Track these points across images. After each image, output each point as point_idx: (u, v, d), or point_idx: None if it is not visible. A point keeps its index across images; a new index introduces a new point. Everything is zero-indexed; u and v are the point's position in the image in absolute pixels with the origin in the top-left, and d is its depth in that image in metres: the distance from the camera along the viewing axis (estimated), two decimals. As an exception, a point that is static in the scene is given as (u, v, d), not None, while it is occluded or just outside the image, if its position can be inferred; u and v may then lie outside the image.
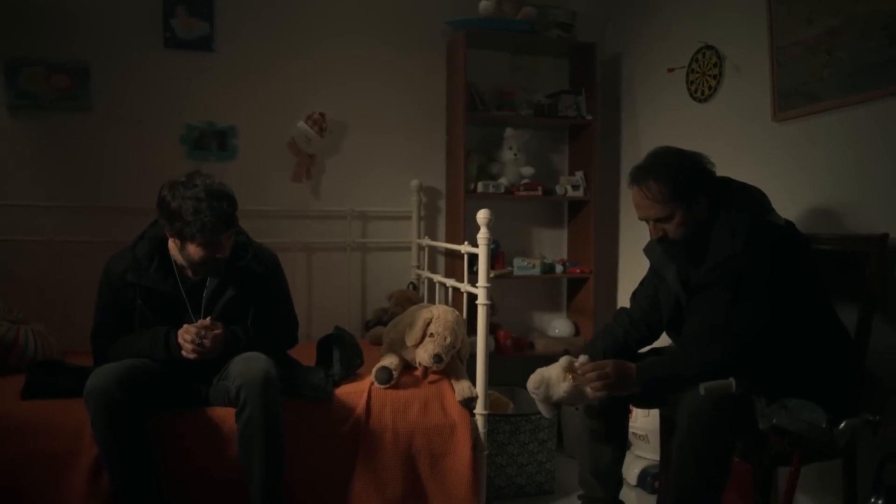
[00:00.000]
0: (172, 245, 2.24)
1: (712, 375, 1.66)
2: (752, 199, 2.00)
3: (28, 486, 2.07)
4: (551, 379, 2.09)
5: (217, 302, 2.27)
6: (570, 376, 2.06)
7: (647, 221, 2.06)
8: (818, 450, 1.86)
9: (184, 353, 2.14)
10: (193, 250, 2.15)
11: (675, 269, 2.09)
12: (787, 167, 2.54)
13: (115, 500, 2.06)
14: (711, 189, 1.99)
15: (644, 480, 2.82)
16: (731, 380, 1.65)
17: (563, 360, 2.10)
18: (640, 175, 2.01)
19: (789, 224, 2.00)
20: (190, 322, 2.19)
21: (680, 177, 1.96)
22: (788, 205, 2.40)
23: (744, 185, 2.06)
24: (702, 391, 1.66)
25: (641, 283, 2.32)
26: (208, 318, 2.18)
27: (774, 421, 1.62)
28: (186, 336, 2.13)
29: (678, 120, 3.13)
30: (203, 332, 2.13)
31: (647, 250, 2.20)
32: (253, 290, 2.31)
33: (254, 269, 2.31)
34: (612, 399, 2.14)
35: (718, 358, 1.86)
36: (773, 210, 2.01)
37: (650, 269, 2.26)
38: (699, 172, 1.99)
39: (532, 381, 2.12)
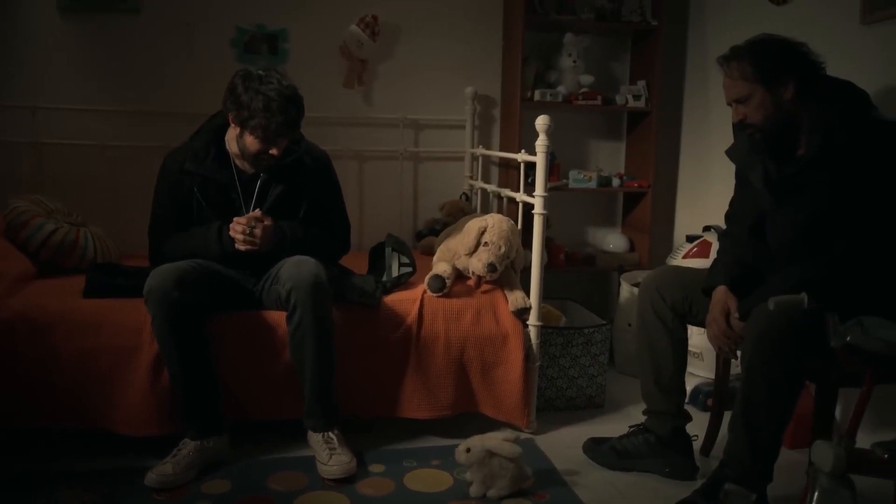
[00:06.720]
0: (230, 134, 2.24)
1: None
2: (852, 94, 1.84)
3: (92, 378, 2.15)
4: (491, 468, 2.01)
5: (269, 195, 2.27)
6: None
7: (730, 106, 1.95)
8: (893, 370, 1.78)
9: (235, 244, 2.16)
10: (250, 141, 2.16)
11: (761, 167, 1.95)
12: (876, 75, 2.34)
13: (174, 394, 2.13)
14: (802, 75, 1.85)
15: (696, 398, 2.78)
16: (804, 295, 1.57)
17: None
18: (727, 55, 1.92)
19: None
20: (242, 215, 2.21)
21: (763, 56, 1.85)
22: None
23: (847, 81, 1.89)
24: (771, 306, 1.59)
25: (732, 204, 2.18)
26: (258, 210, 2.20)
27: (849, 339, 1.54)
28: (237, 227, 2.15)
29: (751, 25, 2.91)
30: (253, 223, 2.15)
31: (731, 151, 2.07)
32: (304, 186, 2.31)
33: (305, 163, 2.32)
34: (672, 314, 2.12)
35: (815, 277, 1.75)
36: (876, 108, 1.84)
37: (736, 180, 2.13)
38: (787, 55, 1.86)
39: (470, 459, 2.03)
